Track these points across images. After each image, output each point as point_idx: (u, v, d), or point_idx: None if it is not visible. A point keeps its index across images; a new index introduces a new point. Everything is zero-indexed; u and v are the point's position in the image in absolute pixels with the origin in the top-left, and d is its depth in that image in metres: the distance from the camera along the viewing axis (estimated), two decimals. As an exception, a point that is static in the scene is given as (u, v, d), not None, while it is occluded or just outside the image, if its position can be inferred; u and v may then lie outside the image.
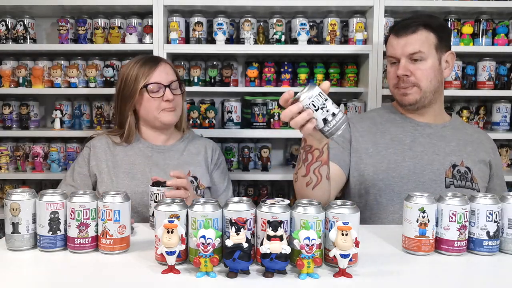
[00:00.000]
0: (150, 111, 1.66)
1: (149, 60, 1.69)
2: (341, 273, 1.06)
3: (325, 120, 1.19)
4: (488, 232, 1.19)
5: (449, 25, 2.38)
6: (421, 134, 1.69)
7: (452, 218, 1.18)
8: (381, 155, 1.66)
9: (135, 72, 1.65)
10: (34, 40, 2.46)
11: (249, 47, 2.35)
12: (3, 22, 2.38)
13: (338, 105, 2.44)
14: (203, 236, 1.03)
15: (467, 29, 2.37)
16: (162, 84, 1.65)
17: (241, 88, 2.48)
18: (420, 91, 1.63)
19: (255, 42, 2.41)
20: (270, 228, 1.04)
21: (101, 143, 1.70)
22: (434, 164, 1.64)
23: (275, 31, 2.38)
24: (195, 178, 1.70)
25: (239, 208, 1.11)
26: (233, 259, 1.03)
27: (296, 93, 1.21)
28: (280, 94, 2.57)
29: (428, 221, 1.18)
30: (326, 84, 1.22)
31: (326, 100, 1.18)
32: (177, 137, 1.79)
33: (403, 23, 1.67)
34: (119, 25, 2.43)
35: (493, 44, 2.39)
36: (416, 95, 1.64)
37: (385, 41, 1.75)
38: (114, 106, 1.75)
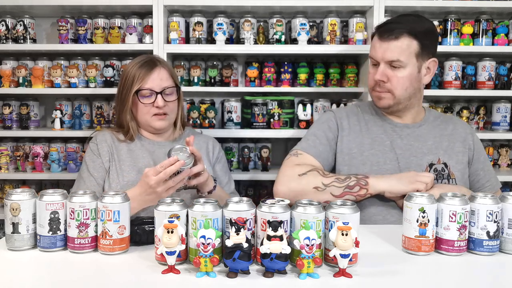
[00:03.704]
0: (142, 116, 1.70)
1: (147, 63, 1.69)
2: (341, 273, 1.06)
3: None
4: (488, 232, 1.19)
5: (449, 25, 2.38)
6: (399, 136, 1.70)
7: (452, 218, 1.18)
8: (364, 156, 1.67)
9: (131, 75, 1.67)
10: (34, 40, 2.46)
11: (249, 47, 2.35)
12: (3, 22, 2.38)
13: (338, 104, 2.44)
14: (203, 236, 1.03)
15: (467, 29, 2.37)
16: (154, 91, 1.66)
17: (241, 88, 2.48)
18: (394, 97, 1.64)
19: (255, 42, 2.41)
20: (270, 228, 1.04)
21: (106, 138, 1.72)
22: (412, 167, 1.64)
23: (275, 31, 2.38)
24: None
25: (239, 208, 1.11)
26: (233, 259, 1.03)
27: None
28: (280, 94, 2.56)
29: (428, 221, 1.18)
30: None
31: None
32: (176, 134, 1.82)
33: (389, 26, 1.65)
34: (119, 25, 2.43)
35: (493, 44, 2.38)
36: (390, 101, 1.65)
37: (372, 38, 1.73)
38: (115, 105, 1.78)
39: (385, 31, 1.62)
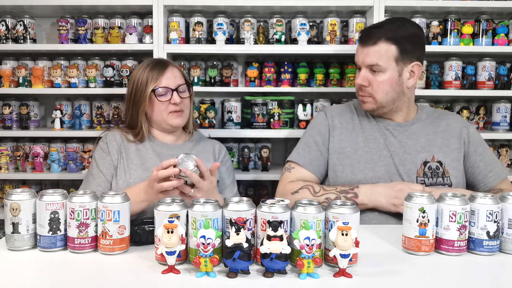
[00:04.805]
0: (159, 114, 1.72)
1: (158, 64, 1.75)
2: (341, 273, 1.06)
3: None
4: (488, 232, 1.19)
5: (449, 25, 2.38)
6: (392, 134, 1.71)
7: (452, 218, 1.18)
8: (358, 154, 1.68)
9: (144, 77, 1.71)
10: (34, 40, 2.46)
11: (249, 47, 2.35)
12: (3, 22, 2.38)
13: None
14: (203, 236, 1.03)
15: (467, 29, 2.37)
16: (170, 88, 1.70)
17: (241, 88, 2.48)
18: (375, 102, 1.67)
19: (255, 42, 2.41)
20: (270, 228, 1.04)
21: (116, 137, 1.75)
22: (406, 164, 1.66)
23: (275, 31, 2.38)
24: None
25: (239, 208, 1.11)
26: (233, 259, 1.03)
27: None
28: (280, 94, 2.56)
29: (428, 221, 1.18)
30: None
31: None
32: (185, 138, 1.85)
33: (368, 31, 1.69)
34: (119, 25, 2.43)
35: (493, 44, 2.38)
36: (372, 105, 1.68)
37: None
38: (125, 108, 1.81)
39: (365, 37, 1.66)
